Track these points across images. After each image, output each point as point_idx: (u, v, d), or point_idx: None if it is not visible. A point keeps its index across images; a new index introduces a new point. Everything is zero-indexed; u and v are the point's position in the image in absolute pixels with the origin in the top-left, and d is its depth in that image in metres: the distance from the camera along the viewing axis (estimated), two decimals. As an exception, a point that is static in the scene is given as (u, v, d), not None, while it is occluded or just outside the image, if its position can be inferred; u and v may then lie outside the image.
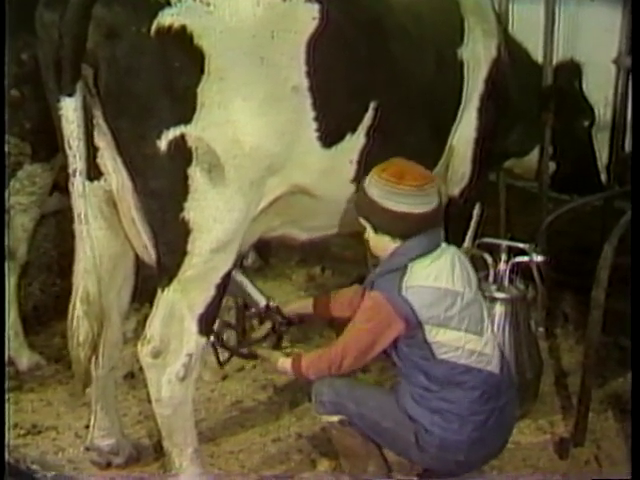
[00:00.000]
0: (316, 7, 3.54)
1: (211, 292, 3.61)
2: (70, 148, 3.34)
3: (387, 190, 3.59)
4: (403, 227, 3.62)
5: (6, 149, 4.30)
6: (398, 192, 3.57)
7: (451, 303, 3.58)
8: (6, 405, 4.21)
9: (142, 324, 3.78)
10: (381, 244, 3.70)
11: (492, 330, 3.81)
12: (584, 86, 5.51)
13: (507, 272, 4.48)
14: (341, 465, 4.04)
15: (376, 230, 3.68)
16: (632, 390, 3.15)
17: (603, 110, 5.92)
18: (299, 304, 4.38)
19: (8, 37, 3.95)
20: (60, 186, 4.37)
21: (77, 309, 3.57)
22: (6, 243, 4.64)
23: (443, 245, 3.73)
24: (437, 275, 3.59)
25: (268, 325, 4.22)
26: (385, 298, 3.56)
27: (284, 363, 3.88)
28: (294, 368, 3.84)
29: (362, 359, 3.72)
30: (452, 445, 3.66)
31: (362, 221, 3.72)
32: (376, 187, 3.61)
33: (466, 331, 3.60)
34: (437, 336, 3.57)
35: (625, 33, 5.22)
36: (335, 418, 3.83)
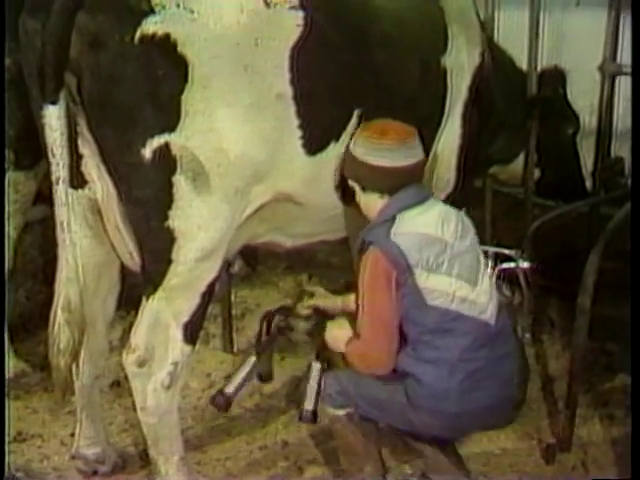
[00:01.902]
0: (300, 14, 3.54)
1: (196, 300, 3.61)
2: (53, 156, 3.33)
3: (370, 147, 3.67)
4: (388, 182, 3.68)
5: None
6: (381, 147, 3.65)
7: (440, 250, 3.60)
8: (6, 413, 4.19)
9: (128, 332, 3.77)
10: (371, 203, 3.75)
11: (491, 283, 3.80)
12: (569, 93, 5.54)
13: (493, 278, 4.49)
14: (330, 470, 4.06)
15: (364, 189, 3.74)
16: (632, 390, 3.15)
17: (589, 117, 5.95)
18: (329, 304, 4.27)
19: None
20: (44, 194, 4.36)
21: (58, 317, 3.56)
22: (6, 243, 4.62)
23: (432, 200, 3.77)
24: (425, 223, 3.64)
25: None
26: (376, 247, 3.59)
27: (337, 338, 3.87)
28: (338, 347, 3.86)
29: (390, 324, 3.65)
30: (443, 394, 3.63)
31: (351, 183, 3.78)
32: (360, 146, 3.69)
33: (457, 277, 3.61)
34: (427, 281, 3.57)
35: (610, 39, 5.24)
36: (342, 412, 3.86)
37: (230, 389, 4.05)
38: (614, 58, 5.35)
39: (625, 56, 5.47)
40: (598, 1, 5.66)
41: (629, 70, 5.32)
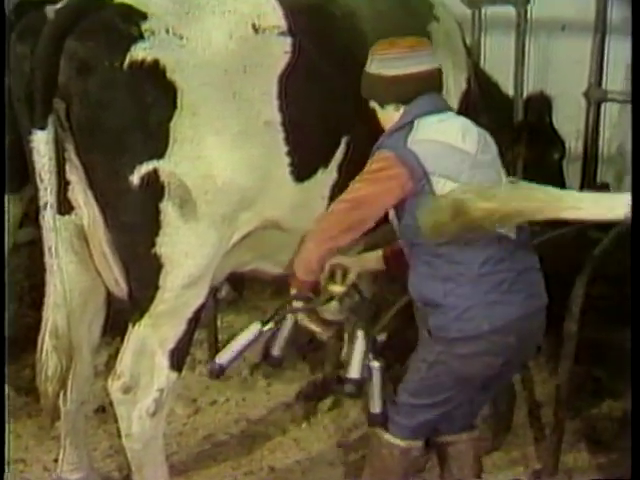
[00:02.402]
0: (288, 41, 3.57)
1: (183, 327, 3.60)
2: (41, 181, 3.33)
3: (381, 59, 3.64)
4: (402, 90, 3.63)
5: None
6: (390, 57, 3.63)
7: (460, 160, 3.51)
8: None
9: (114, 358, 3.77)
10: (388, 117, 3.69)
11: None
12: (555, 118, 5.56)
13: None
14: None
15: (382, 104, 3.69)
16: (632, 389, 3.13)
17: (575, 142, 5.96)
18: (368, 261, 4.02)
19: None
20: (31, 217, 4.34)
21: (46, 343, 3.55)
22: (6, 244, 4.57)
23: (452, 112, 3.74)
24: (445, 132, 3.57)
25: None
26: (391, 152, 3.52)
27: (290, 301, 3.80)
28: (295, 277, 3.75)
29: (359, 225, 3.63)
30: (468, 314, 3.51)
31: (371, 104, 3.73)
32: (372, 62, 3.66)
33: (473, 190, 3.43)
34: (444, 189, 3.45)
35: (595, 65, 5.27)
36: (403, 443, 3.75)
37: (224, 359, 3.81)
38: (599, 84, 5.37)
39: (611, 82, 5.50)
40: (583, 26, 5.68)
41: (615, 96, 5.40)
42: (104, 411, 4.85)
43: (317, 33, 3.73)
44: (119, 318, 3.87)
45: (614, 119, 6.32)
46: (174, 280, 3.46)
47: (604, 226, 4.40)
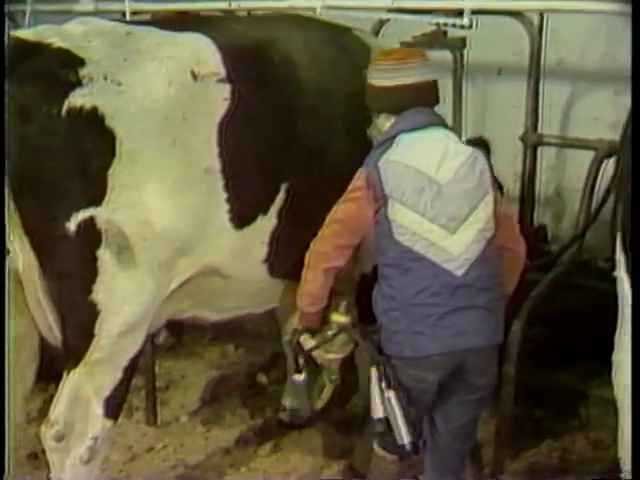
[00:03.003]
0: (227, 87, 3.58)
1: (118, 375, 3.55)
2: None
3: (375, 70, 3.84)
4: (389, 101, 3.79)
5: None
6: (381, 68, 3.81)
7: (421, 188, 3.60)
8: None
9: (48, 404, 3.70)
10: (382, 126, 3.86)
11: (476, 238, 3.67)
12: (493, 161, 5.61)
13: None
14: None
15: (376, 113, 3.89)
16: (632, 389, 3.15)
17: (512, 184, 6.02)
18: None
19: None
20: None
21: None
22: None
23: (440, 130, 3.80)
24: (420, 155, 3.66)
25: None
26: (364, 168, 3.71)
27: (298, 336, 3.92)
28: (301, 313, 3.90)
29: (347, 241, 3.76)
30: (396, 336, 3.66)
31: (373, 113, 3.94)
32: (369, 72, 3.87)
33: (431, 220, 3.59)
34: (397, 214, 3.59)
35: (530, 109, 5.33)
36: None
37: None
38: (535, 128, 5.44)
39: (547, 125, 5.57)
40: (519, 70, 5.76)
41: (550, 140, 5.47)
42: (36, 457, 4.75)
43: (256, 80, 3.74)
44: (54, 364, 3.80)
45: (551, 161, 6.43)
46: (110, 328, 3.42)
47: (540, 267, 4.46)
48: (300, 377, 4.01)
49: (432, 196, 3.59)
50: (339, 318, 3.95)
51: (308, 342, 3.97)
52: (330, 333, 3.93)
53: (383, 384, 3.67)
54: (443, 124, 3.87)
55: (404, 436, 3.65)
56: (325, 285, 3.79)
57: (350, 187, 3.71)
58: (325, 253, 3.76)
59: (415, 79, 3.75)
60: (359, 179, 3.69)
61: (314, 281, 3.80)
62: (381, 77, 3.80)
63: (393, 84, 3.76)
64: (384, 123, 3.84)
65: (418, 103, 3.76)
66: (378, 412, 3.69)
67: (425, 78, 3.78)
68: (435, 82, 3.83)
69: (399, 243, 3.61)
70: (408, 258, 3.61)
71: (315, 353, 3.95)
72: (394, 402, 3.66)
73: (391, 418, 3.67)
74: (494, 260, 3.73)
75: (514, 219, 4.05)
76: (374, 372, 3.71)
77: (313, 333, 3.99)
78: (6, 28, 3.82)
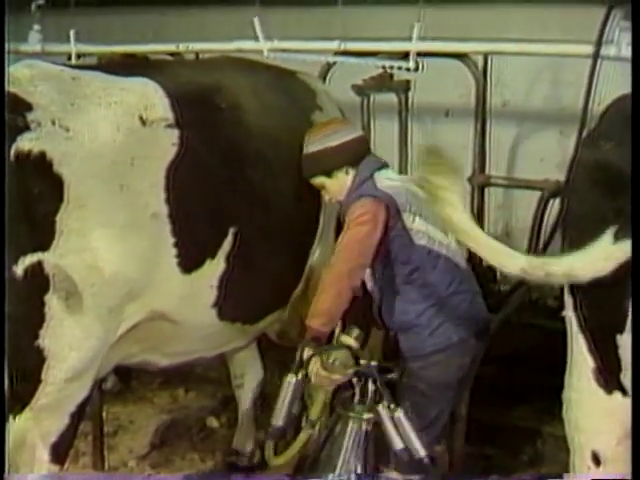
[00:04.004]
0: (176, 133, 3.60)
1: (65, 421, 3.51)
2: None
3: (322, 136, 4.08)
4: (347, 154, 4.05)
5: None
6: (330, 132, 4.09)
7: (416, 199, 3.90)
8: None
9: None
10: (341, 182, 4.06)
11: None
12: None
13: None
14: None
15: (329, 174, 4.06)
16: (632, 389, 3.15)
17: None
18: None
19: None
20: None
21: None
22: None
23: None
24: (401, 179, 4.16)
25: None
26: (367, 197, 3.90)
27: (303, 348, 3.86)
28: (310, 333, 3.85)
29: (362, 260, 3.90)
30: (441, 327, 3.91)
31: (316, 182, 4.11)
32: (313, 142, 4.07)
33: (433, 225, 3.93)
34: (413, 223, 3.92)
35: (477, 151, 5.39)
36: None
37: (280, 420, 3.78)
38: (482, 169, 5.49)
39: (494, 166, 5.64)
40: (466, 112, 5.83)
41: (498, 181, 5.53)
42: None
43: (204, 125, 3.77)
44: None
45: (499, 201, 6.50)
46: (57, 374, 3.37)
47: (490, 308, 4.48)
48: (293, 379, 3.83)
49: (424, 206, 3.85)
50: (347, 339, 4.01)
51: (308, 350, 3.86)
52: (334, 351, 3.87)
53: (391, 405, 3.78)
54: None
55: (419, 450, 3.74)
56: (340, 305, 3.88)
57: (355, 216, 3.87)
58: (340, 274, 3.88)
59: (358, 134, 4.21)
60: (365, 206, 3.87)
61: (329, 301, 3.86)
62: (333, 139, 4.06)
63: (347, 139, 4.08)
64: (344, 177, 4.05)
65: (367, 153, 4.14)
66: (397, 444, 3.75)
67: (361, 133, 4.31)
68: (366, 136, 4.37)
69: (422, 247, 3.93)
70: (432, 257, 3.94)
71: (312, 369, 3.83)
72: (404, 421, 3.76)
73: (405, 439, 3.74)
74: None
75: None
76: (381, 408, 3.81)
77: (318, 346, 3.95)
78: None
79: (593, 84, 4.06)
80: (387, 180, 4.00)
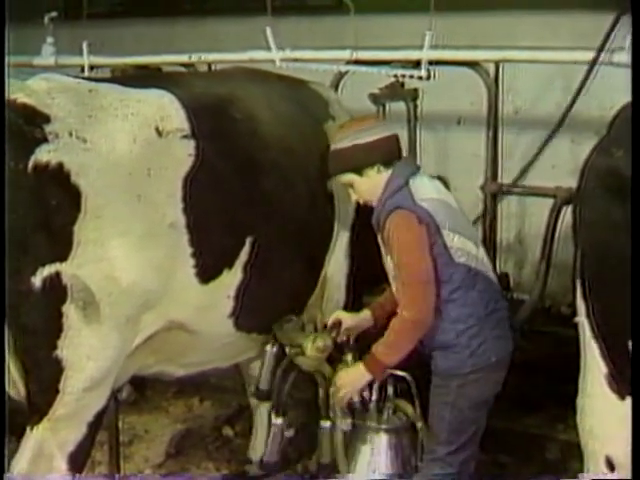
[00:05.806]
0: (192, 144, 3.62)
1: (83, 430, 3.52)
2: None
3: (354, 131, 3.97)
4: (381, 153, 3.94)
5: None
6: (363, 129, 3.96)
7: (452, 214, 3.90)
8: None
9: (9, 460, 3.64)
10: (373, 180, 3.95)
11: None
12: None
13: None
14: None
15: (360, 172, 3.95)
16: (633, 389, 3.15)
17: (474, 233, 6.08)
18: (359, 321, 4.24)
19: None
20: None
21: None
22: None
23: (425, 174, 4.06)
24: (438, 190, 3.98)
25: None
26: (406, 209, 3.80)
27: (356, 374, 3.96)
28: (373, 369, 3.92)
29: (429, 282, 3.82)
30: (481, 347, 3.86)
31: (344, 180, 4.03)
32: (343, 138, 3.97)
33: (468, 238, 3.90)
34: (453, 241, 3.84)
35: (489, 159, 5.39)
36: None
37: (265, 385, 4.17)
38: (495, 177, 5.50)
39: (506, 174, 5.64)
40: (478, 120, 5.84)
41: (510, 189, 5.54)
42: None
43: (219, 136, 3.79)
44: (16, 418, 3.76)
45: (512, 209, 6.51)
46: (75, 384, 3.39)
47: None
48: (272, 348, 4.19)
49: (456, 218, 3.90)
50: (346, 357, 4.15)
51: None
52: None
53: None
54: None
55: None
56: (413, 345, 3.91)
57: (409, 237, 3.81)
58: (423, 321, 3.83)
59: (392, 132, 4.02)
60: (411, 222, 3.79)
61: (409, 346, 3.87)
62: (366, 135, 3.94)
63: (381, 136, 3.95)
64: (377, 177, 3.94)
65: (400, 153, 4.05)
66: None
67: (393, 131, 4.05)
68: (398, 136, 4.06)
69: (462, 264, 3.86)
70: (472, 275, 3.89)
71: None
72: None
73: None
74: None
75: None
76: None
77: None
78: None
79: (584, 89, 4.10)
80: (423, 190, 3.88)
